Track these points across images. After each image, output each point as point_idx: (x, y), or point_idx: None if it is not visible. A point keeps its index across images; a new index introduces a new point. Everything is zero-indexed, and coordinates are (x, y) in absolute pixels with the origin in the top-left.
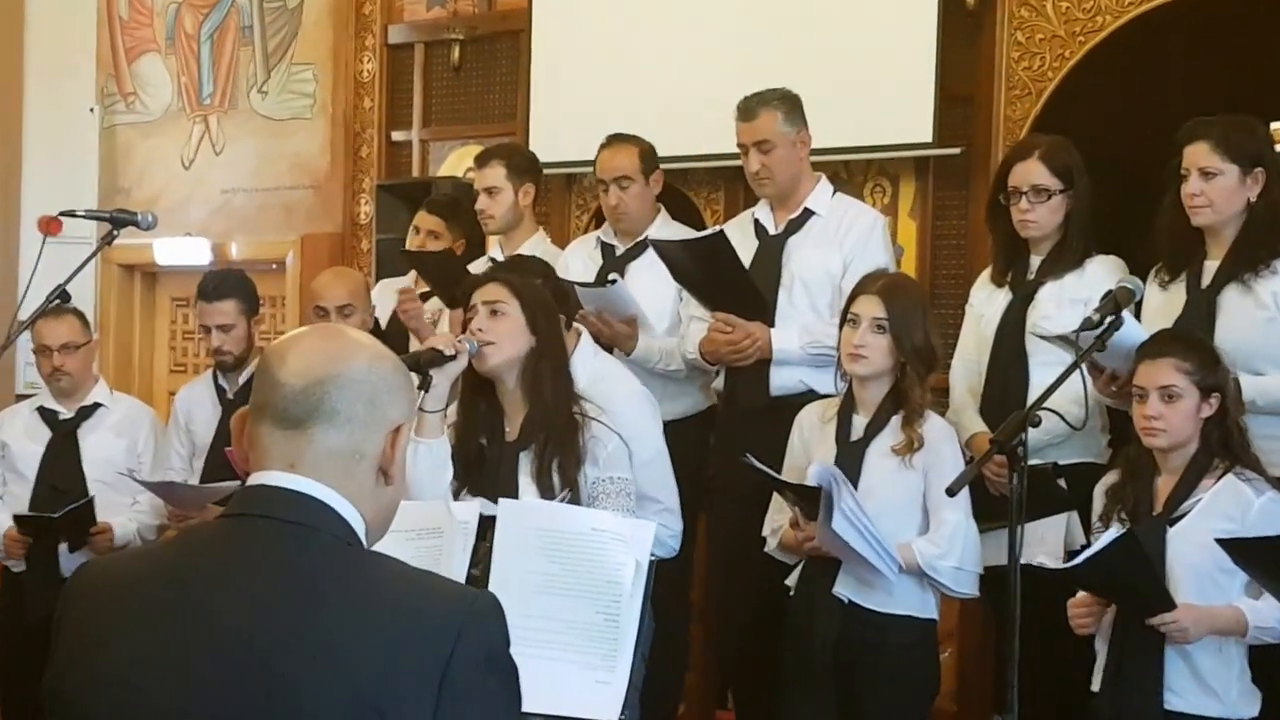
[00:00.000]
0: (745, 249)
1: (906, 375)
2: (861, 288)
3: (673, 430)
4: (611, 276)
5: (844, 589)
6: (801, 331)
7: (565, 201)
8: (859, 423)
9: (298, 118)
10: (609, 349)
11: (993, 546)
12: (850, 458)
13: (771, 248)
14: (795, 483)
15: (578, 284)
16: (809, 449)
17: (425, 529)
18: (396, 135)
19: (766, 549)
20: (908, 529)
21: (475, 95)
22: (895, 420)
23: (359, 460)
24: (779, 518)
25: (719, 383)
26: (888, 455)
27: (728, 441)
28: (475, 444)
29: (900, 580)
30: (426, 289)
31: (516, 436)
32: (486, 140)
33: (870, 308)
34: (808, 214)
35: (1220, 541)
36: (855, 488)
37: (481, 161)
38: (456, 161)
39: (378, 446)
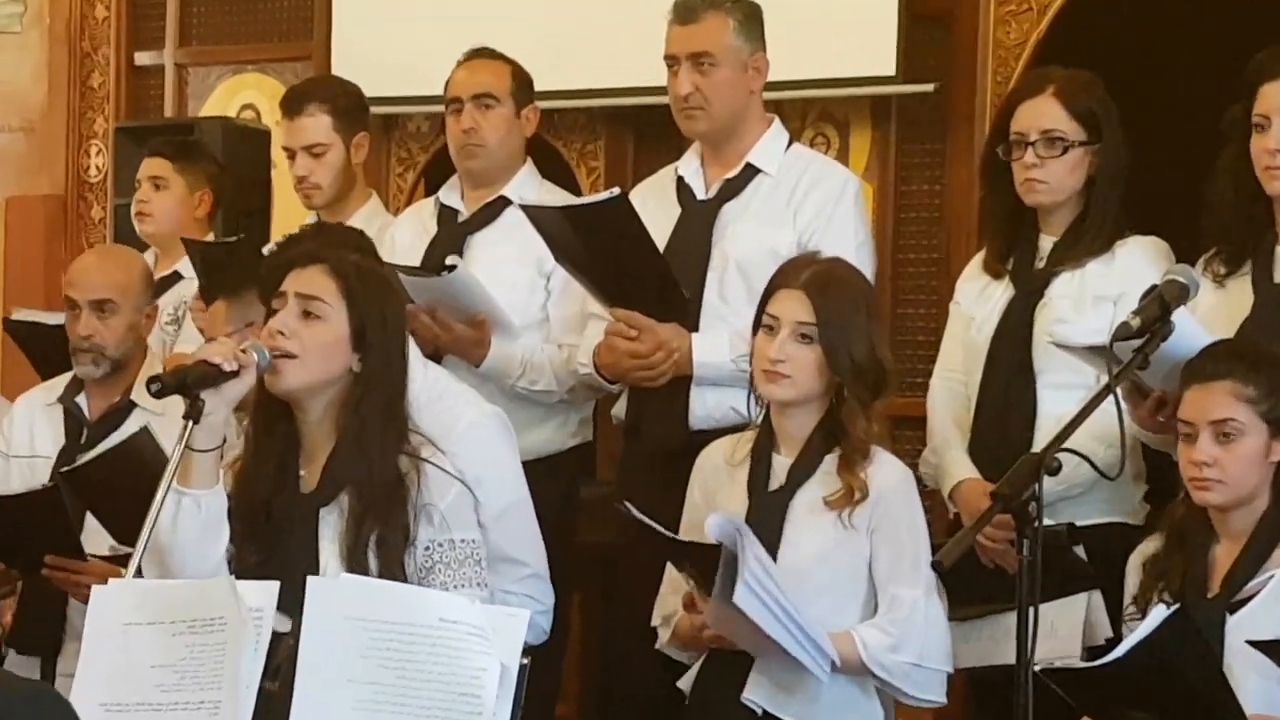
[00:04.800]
0: (662, 218)
1: (844, 401)
2: (780, 279)
3: (535, 472)
4: (450, 260)
5: (756, 695)
6: (735, 339)
7: (381, 155)
8: (780, 465)
9: (2, 31)
10: (438, 358)
11: (976, 640)
12: (768, 513)
13: (699, 218)
14: (688, 540)
15: (401, 269)
16: (712, 501)
17: (200, 619)
18: (142, 58)
19: (659, 644)
20: (847, 611)
21: (254, 2)
22: (829, 462)
23: None
24: (673, 600)
25: (619, 408)
26: (819, 510)
27: (630, 492)
28: (260, 492)
29: (834, 682)
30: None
31: (316, 487)
32: (270, 67)
33: (792, 307)
34: (752, 171)
35: (1256, 644)
36: (775, 554)
37: (294, 107)
38: (226, 96)
39: None
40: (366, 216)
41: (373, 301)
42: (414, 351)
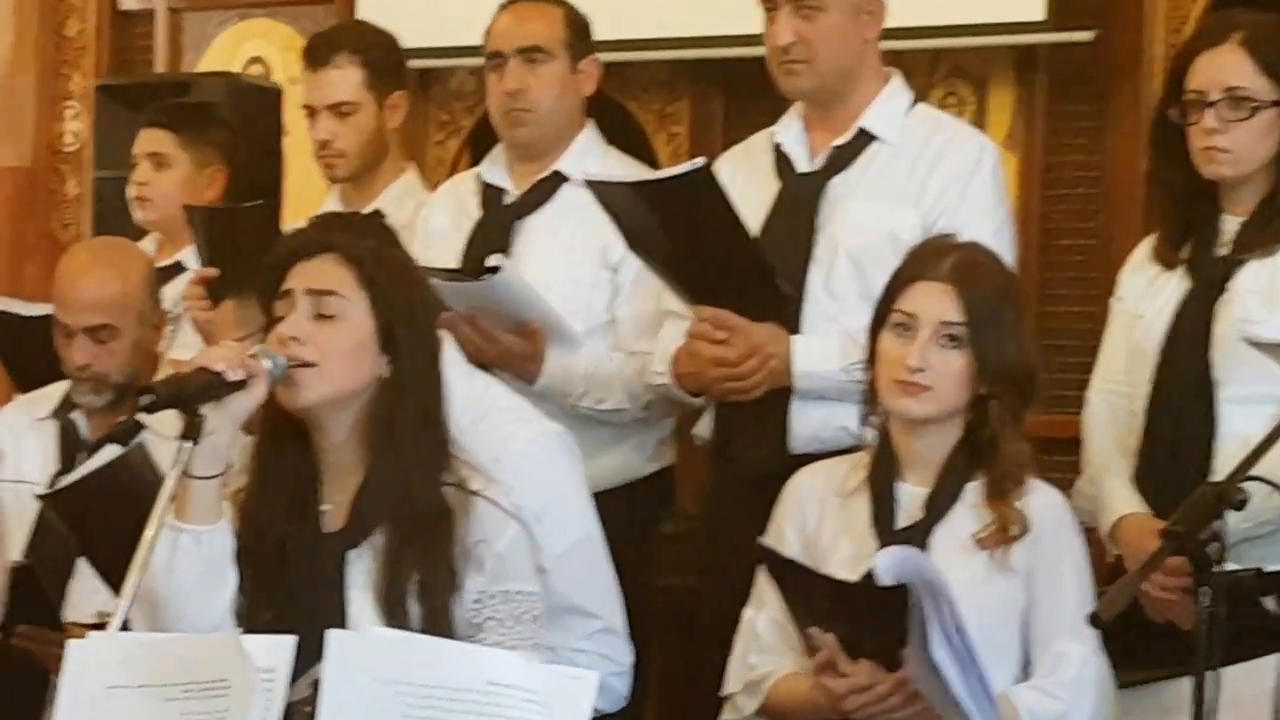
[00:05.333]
0: (756, 195)
1: (993, 416)
2: (916, 268)
3: (606, 505)
4: (492, 260)
5: None
6: (846, 342)
7: (417, 118)
8: (909, 496)
9: None
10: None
11: (1140, 713)
12: None
13: (801, 194)
14: (854, 581)
15: (433, 272)
16: (813, 540)
17: (198, 682)
18: (128, 1)
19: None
20: (1000, 671)
21: None
22: (972, 491)
23: None
24: (756, 663)
25: (704, 427)
26: (966, 549)
27: (718, 527)
28: (273, 530)
29: None
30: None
31: (343, 524)
32: (282, 12)
33: (936, 304)
34: (866, 138)
35: None
36: None
37: (319, 56)
38: (229, 47)
39: None
40: (400, 193)
41: (398, 291)
42: (456, 357)
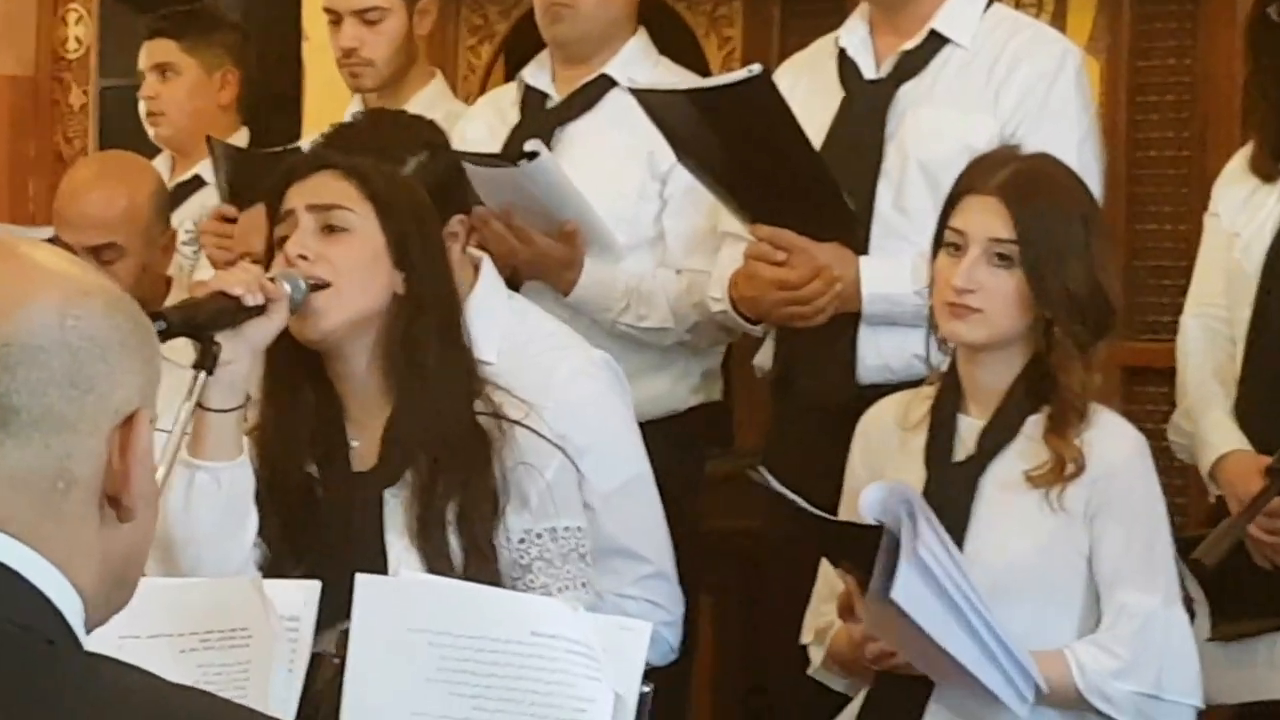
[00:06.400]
0: (818, 104)
1: (1055, 344)
2: (967, 182)
3: (650, 438)
4: (530, 145)
5: None
6: (919, 262)
7: (447, 23)
8: (968, 429)
9: None
10: (511, 288)
11: (1249, 666)
12: (951, 491)
13: (868, 103)
14: (840, 520)
15: (467, 156)
16: (879, 474)
17: (218, 631)
18: None
19: (811, 669)
20: (1056, 623)
21: None
22: (1033, 425)
23: (64, 488)
24: (828, 609)
25: (764, 357)
26: (1019, 487)
27: (781, 465)
28: (297, 472)
29: (1038, 717)
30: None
31: (376, 462)
32: None
33: (984, 220)
34: (938, 41)
35: None
36: (960, 544)
37: None
38: None
39: (96, 458)
40: (428, 101)
41: (405, 202)
42: (492, 276)
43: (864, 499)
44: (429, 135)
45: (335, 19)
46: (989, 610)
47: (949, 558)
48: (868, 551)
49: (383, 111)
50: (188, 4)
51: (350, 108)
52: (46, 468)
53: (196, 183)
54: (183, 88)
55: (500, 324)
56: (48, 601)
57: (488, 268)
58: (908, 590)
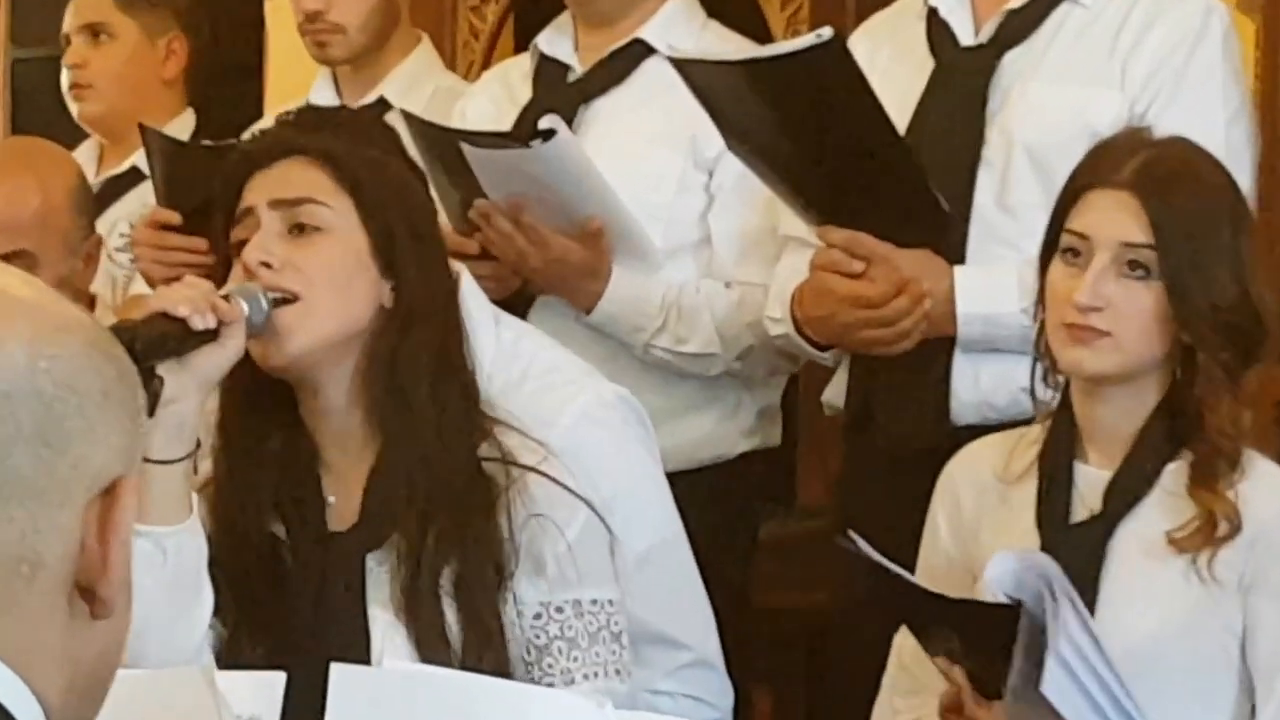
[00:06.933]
0: (903, 77)
1: (1200, 374)
2: (1089, 173)
3: (685, 492)
4: (546, 122)
5: None
6: (1030, 274)
7: None
8: (1089, 481)
9: None
10: (522, 305)
11: None
12: (1073, 557)
13: (964, 76)
14: (960, 598)
15: (466, 136)
16: (969, 539)
17: None
18: None
19: None
20: (1206, 712)
21: None
22: (1172, 475)
23: (28, 572)
24: (904, 707)
25: (835, 392)
26: (1159, 552)
27: (856, 525)
28: (260, 534)
29: None
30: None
31: (357, 520)
32: None
33: (1114, 220)
34: None
35: None
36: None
37: None
38: None
39: (68, 536)
40: (411, 75)
41: (392, 194)
42: (479, 299)
43: (993, 572)
44: (380, 135)
45: None
46: (1139, 711)
47: (1094, 645)
48: (996, 637)
49: (312, 111)
50: None
51: (316, 84)
52: (6, 546)
53: (133, 176)
54: (118, 55)
55: (487, 354)
56: (4, 714)
57: (469, 284)
58: (1058, 685)
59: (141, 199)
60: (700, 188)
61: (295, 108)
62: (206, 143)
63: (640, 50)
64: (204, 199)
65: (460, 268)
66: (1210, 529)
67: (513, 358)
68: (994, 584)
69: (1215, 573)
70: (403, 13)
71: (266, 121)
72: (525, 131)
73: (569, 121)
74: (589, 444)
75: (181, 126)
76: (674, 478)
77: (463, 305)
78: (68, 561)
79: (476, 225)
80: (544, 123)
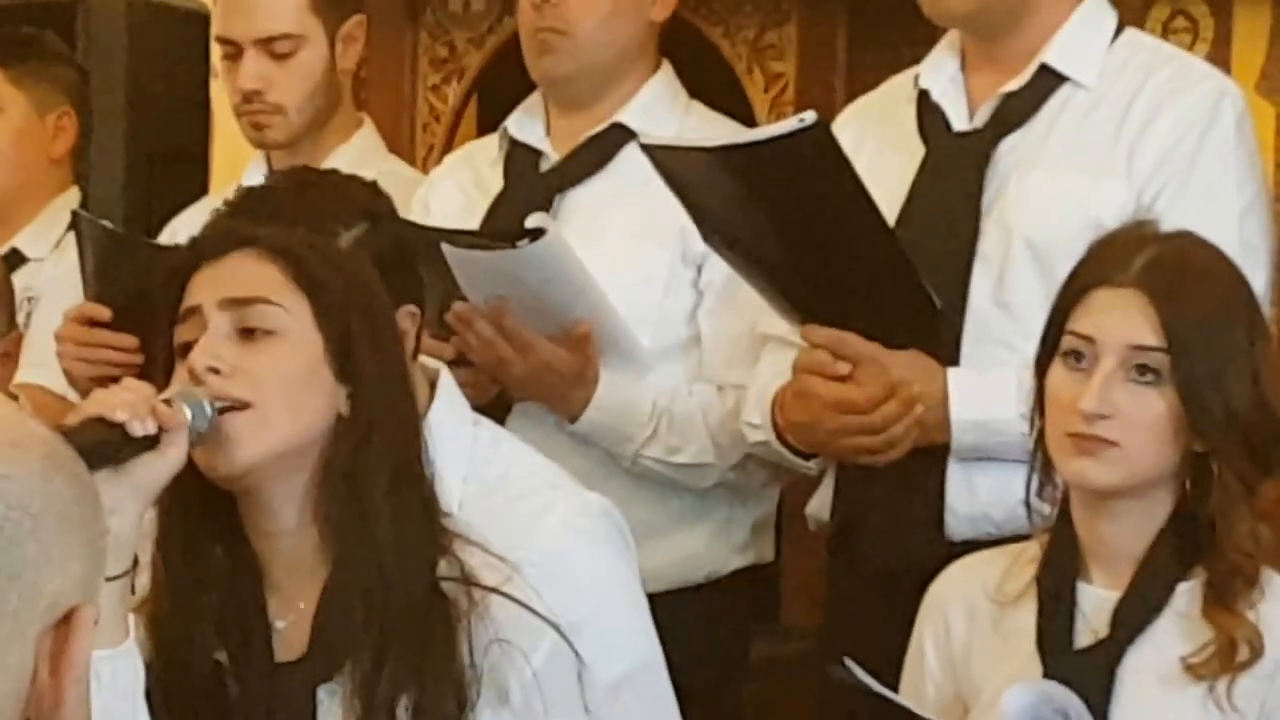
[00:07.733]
0: (894, 165)
1: (1215, 485)
2: (1094, 269)
3: (675, 613)
4: (535, 220)
5: None
6: (1029, 376)
7: (401, 54)
8: (1094, 602)
9: None
10: (499, 413)
11: None
12: (1079, 687)
13: (958, 163)
14: None
15: (446, 235)
16: (960, 666)
17: None
18: None
19: None
20: None
21: None
22: (1185, 596)
23: None
24: None
25: (819, 504)
26: (1174, 680)
27: (843, 648)
28: (203, 662)
29: None
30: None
31: (307, 649)
32: None
33: (1122, 320)
34: (1051, 80)
35: None
36: None
37: None
38: None
39: (18, 671)
40: (353, 159)
41: (350, 295)
42: (453, 393)
43: (1009, 704)
44: (367, 201)
45: (233, 51)
46: None
47: None
48: None
49: (306, 171)
50: (14, 28)
51: (250, 169)
52: None
53: (14, 259)
54: (5, 130)
55: (463, 460)
56: None
57: (446, 383)
58: None
59: (23, 285)
60: (689, 284)
61: (237, 193)
62: (144, 240)
63: (620, 136)
64: (136, 293)
65: (439, 365)
66: (1230, 654)
67: (490, 460)
68: (1007, 712)
69: (1235, 702)
70: (345, 94)
71: (201, 206)
72: (510, 229)
73: (543, 212)
74: (568, 554)
75: (67, 204)
76: (663, 598)
77: (438, 404)
78: (16, 700)
79: (453, 329)
80: (531, 221)
